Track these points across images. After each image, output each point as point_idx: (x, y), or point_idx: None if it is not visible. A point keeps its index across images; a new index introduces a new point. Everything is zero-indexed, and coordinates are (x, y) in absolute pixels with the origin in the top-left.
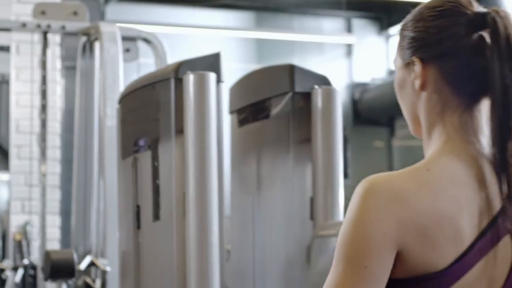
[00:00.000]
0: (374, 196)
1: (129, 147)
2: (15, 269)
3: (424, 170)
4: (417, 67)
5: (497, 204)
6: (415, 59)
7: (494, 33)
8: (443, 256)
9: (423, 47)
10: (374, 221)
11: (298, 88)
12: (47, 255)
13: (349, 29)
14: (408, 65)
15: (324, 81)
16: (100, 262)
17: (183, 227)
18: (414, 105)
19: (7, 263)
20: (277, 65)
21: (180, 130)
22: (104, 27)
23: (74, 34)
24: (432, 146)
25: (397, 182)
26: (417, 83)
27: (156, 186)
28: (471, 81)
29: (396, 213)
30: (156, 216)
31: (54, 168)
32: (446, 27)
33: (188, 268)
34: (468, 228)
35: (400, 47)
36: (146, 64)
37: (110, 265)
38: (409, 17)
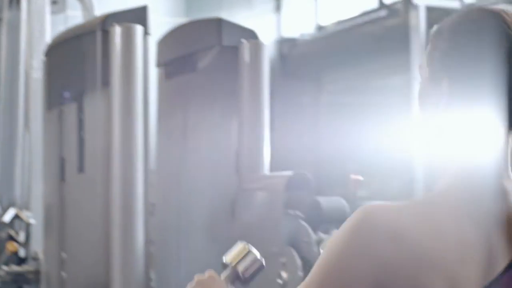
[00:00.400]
0: (366, 229)
1: (54, 100)
2: None
3: (432, 203)
4: (445, 86)
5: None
6: (444, 77)
7: None
8: None
9: (456, 66)
10: (357, 257)
11: (225, 42)
12: None
13: None
14: (435, 79)
15: (252, 35)
16: (24, 214)
17: (108, 180)
18: (433, 121)
19: None
20: (205, 19)
21: (106, 83)
22: None
23: None
24: (446, 172)
25: (396, 218)
26: (442, 102)
27: (81, 139)
28: (503, 113)
29: (385, 254)
30: (81, 169)
31: None
32: (486, 49)
33: (113, 221)
34: (469, 280)
35: (431, 56)
36: (74, 17)
37: (34, 217)
38: (446, 22)
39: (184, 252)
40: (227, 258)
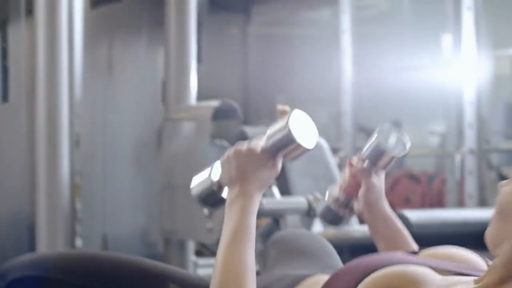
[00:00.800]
0: None
1: None
2: None
3: None
4: None
5: None
6: None
7: None
8: None
9: None
10: None
11: None
12: None
13: None
14: None
15: None
16: None
17: (33, 110)
18: None
19: None
20: None
21: (30, 11)
22: None
23: None
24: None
25: None
26: None
27: (4, 68)
28: None
29: None
30: (5, 98)
31: None
32: None
33: (38, 151)
34: None
35: None
36: None
37: None
38: None
39: (110, 181)
40: (268, 131)
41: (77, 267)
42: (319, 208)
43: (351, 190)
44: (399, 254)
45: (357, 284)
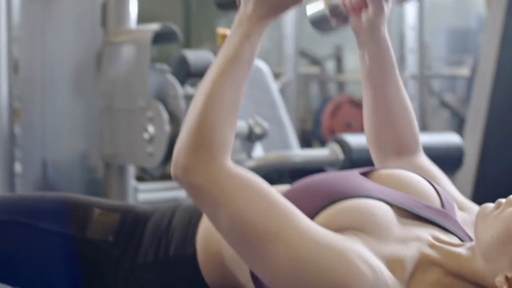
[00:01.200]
0: None
1: None
2: None
3: None
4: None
5: None
6: (508, 275)
7: None
8: None
9: None
10: None
11: None
12: None
13: None
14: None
15: None
16: None
17: None
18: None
19: None
20: None
21: None
22: None
23: None
24: None
25: None
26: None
27: None
28: None
29: None
30: None
31: None
32: None
33: None
34: None
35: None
36: None
37: None
38: None
39: (50, 106)
40: None
41: (3, 204)
42: (311, 11)
43: (355, 8)
44: (358, 180)
45: (320, 210)
